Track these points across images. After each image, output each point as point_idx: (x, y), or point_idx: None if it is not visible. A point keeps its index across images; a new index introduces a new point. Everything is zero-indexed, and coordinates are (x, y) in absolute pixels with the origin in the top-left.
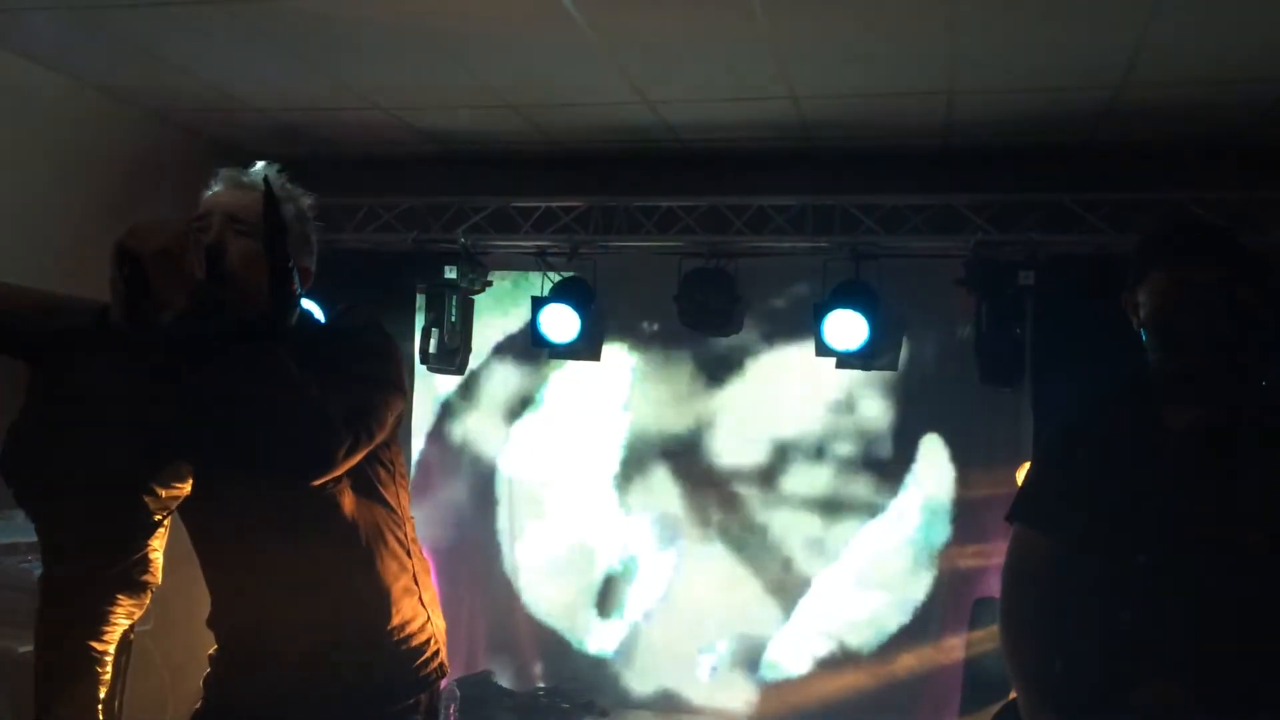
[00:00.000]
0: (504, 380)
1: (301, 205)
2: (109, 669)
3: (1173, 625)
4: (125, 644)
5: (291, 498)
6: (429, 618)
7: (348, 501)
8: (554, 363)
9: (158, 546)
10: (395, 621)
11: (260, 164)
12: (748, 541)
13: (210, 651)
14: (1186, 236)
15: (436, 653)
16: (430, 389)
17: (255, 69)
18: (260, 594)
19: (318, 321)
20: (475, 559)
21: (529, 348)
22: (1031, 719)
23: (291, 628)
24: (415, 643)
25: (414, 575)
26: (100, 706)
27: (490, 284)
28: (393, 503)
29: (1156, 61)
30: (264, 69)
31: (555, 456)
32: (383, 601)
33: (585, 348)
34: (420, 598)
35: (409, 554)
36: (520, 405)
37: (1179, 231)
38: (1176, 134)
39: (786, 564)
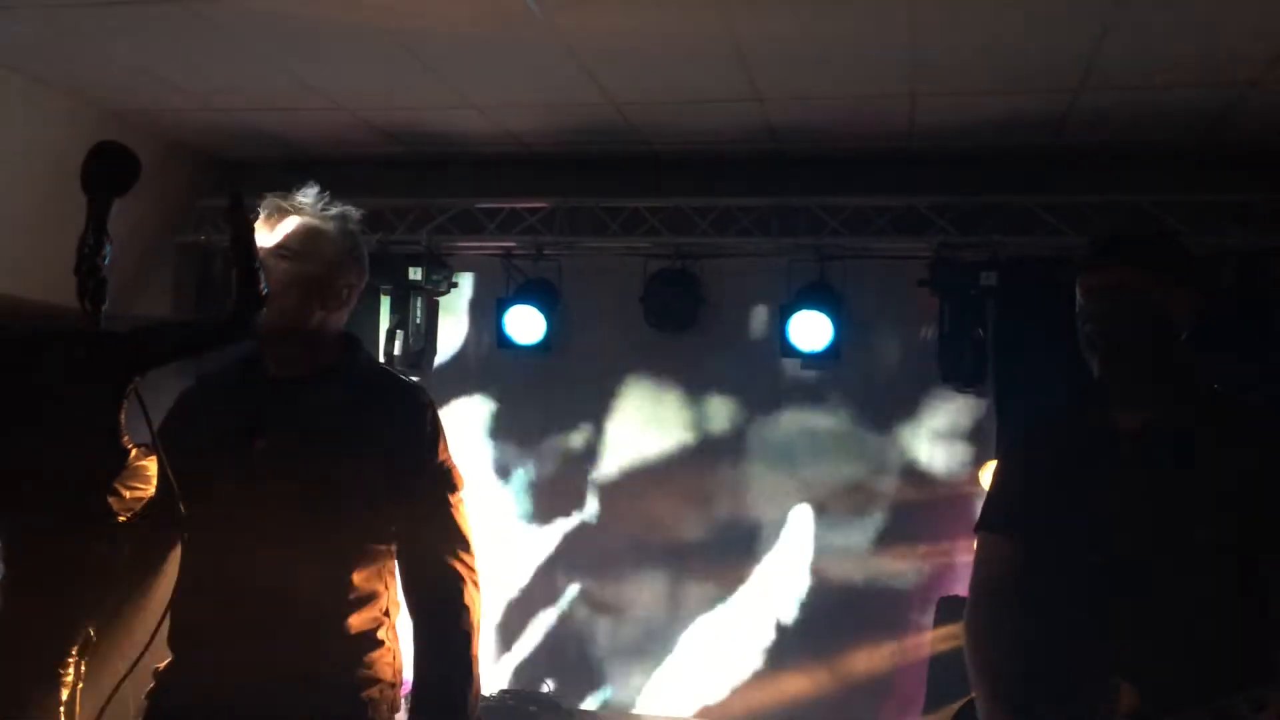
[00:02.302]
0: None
1: (350, 225)
2: (70, 671)
3: (1126, 624)
4: (86, 646)
5: (333, 522)
6: (395, 653)
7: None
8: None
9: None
10: (364, 650)
11: (309, 189)
12: (710, 538)
13: (158, 666)
14: (1097, 245)
15: (394, 684)
16: None
17: (215, 68)
18: (246, 589)
19: (382, 369)
20: None
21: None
22: None
23: (262, 642)
24: (380, 672)
25: (387, 609)
26: (62, 709)
27: (456, 285)
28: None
29: (1115, 65)
30: (224, 68)
31: (519, 455)
32: (360, 633)
33: (550, 349)
34: (391, 632)
35: (388, 586)
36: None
37: (1094, 242)
38: (1136, 137)
39: (748, 562)
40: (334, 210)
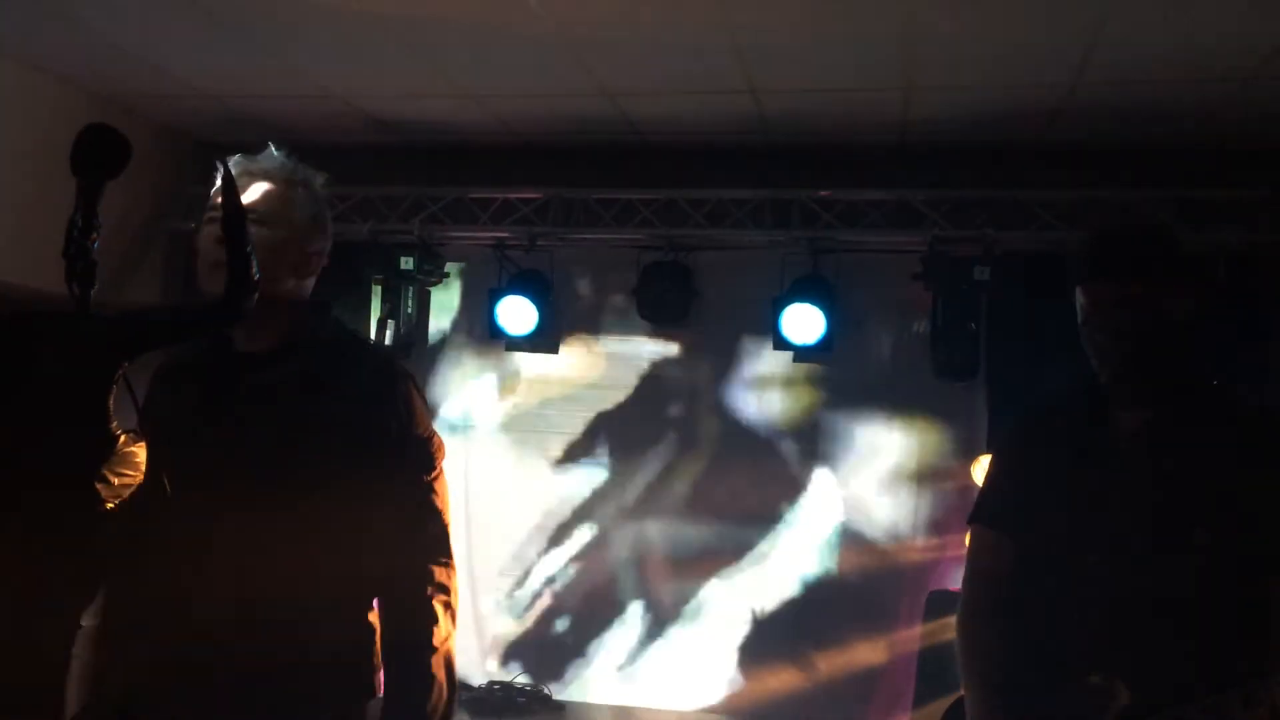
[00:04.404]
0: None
1: (315, 188)
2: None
3: (1122, 624)
4: (75, 634)
5: (297, 507)
6: (375, 630)
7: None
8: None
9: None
10: (338, 628)
11: (272, 151)
12: (698, 530)
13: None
14: (1105, 251)
15: (374, 668)
16: None
17: (208, 54)
18: (214, 568)
19: (352, 338)
20: None
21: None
22: None
23: (229, 619)
24: (356, 657)
25: (362, 599)
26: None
27: (447, 275)
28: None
29: (1110, 60)
30: (217, 54)
31: (508, 449)
32: (335, 609)
33: (542, 340)
34: (367, 613)
35: (361, 577)
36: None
37: (1099, 245)
38: (1130, 132)
39: (736, 554)
40: (300, 174)
